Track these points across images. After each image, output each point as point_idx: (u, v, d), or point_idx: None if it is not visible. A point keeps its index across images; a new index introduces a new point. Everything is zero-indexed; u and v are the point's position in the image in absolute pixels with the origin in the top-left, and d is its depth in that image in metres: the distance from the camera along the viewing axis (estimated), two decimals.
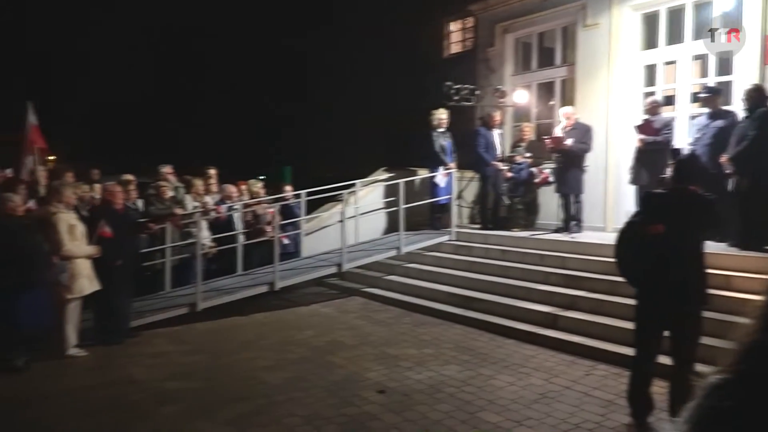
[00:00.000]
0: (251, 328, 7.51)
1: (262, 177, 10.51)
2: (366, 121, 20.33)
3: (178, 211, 8.27)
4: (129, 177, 8.09)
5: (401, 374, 5.69)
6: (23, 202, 6.46)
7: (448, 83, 10.20)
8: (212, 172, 9.52)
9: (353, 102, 21.14)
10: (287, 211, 9.40)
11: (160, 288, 8.19)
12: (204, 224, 8.39)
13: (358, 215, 9.77)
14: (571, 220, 8.88)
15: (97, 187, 8.82)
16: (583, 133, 8.77)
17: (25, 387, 5.36)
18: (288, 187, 10.00)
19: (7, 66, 23.47)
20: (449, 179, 9.83)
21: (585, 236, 8.57)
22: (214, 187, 9.35)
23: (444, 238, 9.63)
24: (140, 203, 8.29)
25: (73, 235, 6.18)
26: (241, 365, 6.02)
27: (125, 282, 6.75)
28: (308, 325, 7.64)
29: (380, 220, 10.58)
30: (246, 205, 9.20)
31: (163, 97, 25.37)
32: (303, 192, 9.75)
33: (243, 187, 9.71)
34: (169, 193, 8.48)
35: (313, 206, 10.45)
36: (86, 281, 6.25)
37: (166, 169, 8.94)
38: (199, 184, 8.94)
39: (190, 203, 8.70)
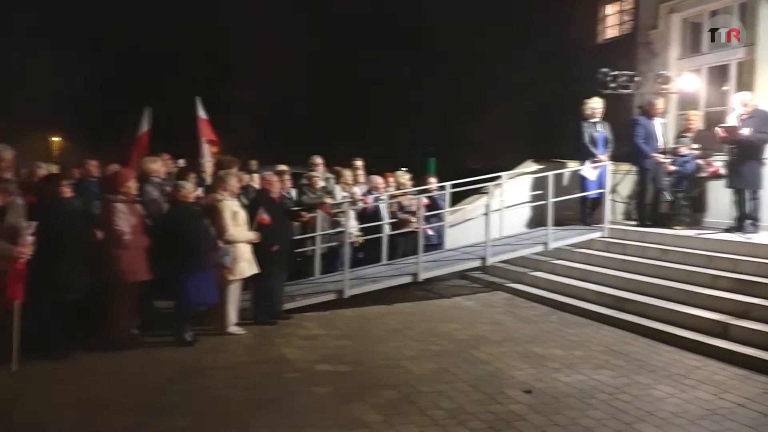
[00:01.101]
0: (396, 318, 7.61)
1: (405, 168, 10.58)
2: (513, 112, 19.80)
3: (328, 200, 8.59)
4: (283, 167, 8.53)
5: (549, 375, 5.45)
6: (193, 190, 7.01)
7: (604, 70, 9.58)
8: (359, 163, 9.76)
9: (500, 91, 20.65)
10: (432, 203, 9.40)
11: (310, 274, 8.56)
12: (352, 214, 8.63)
13: (504, 208, 9.53)
14: (747, 218, 7.97)
15: (255, 176, 9.42)
16: (762, 121, 7.82)
17: (195, 359, 5.84)
18: (432, 179, 9.99)
19: (181, 64, 25.76)
20: (601, 172, 9.26)
21: (763, 237, 7.67)
22: (362, 178, 9.58)
23: (595, 235, 9.10)
24: (294, 192, 8.71)
25: (236, 221, 6.63)
26: (387, 353, 6.12)
27: (280, 267, 7.14)
28: (451, 318, 7.59)
29: (526, 214, 10.25)
30: (392, 196, 9.33)
31: (314, 92, 26.49)
32: (448, 184, 9.69)
33: (390, 178, 9.86)
34: (320, 183, 8.82)
35: (457, 198, 10.35)
36: (246, 264, 6.68)
37: (318, 160, 9.30)
38: (348, 174, 9.22)
39: (340, 193, 9.00)
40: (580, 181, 9.49)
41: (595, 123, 9.40)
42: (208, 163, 8.72)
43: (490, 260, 8.66)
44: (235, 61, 27.33)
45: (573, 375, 5.45)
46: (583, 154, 9.38)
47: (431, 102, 24.75)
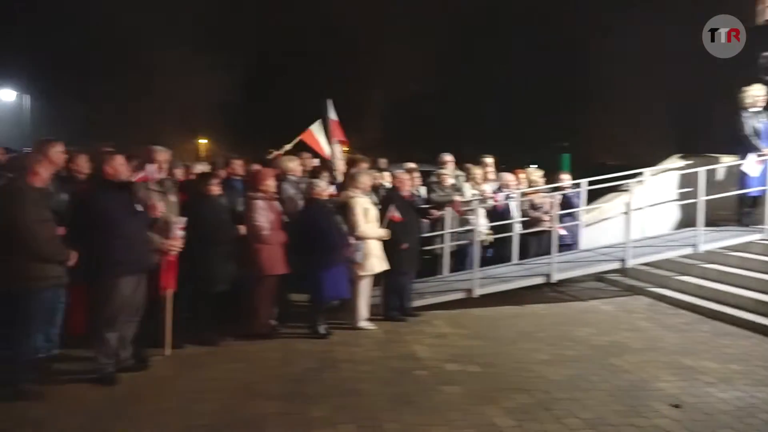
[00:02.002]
0: (527, 319, 7.37)
1: (534, 164, 10.21)
2: (655, 103, 18.44)
3: (458, 198, 8.50)
4: (413, 165, 8.56)
5: (700, 389, 4.99)
6: (327, 188, 7.23)
7: (766, 54, 8.61)
8: (489, 160, 9.57)
9: (640, 81, 19.32)
10: (565, 201, 8.99)
11: (439, 272, 8.52)
12: (481, 212, 8.48)
13: (646, 207, 8.90)
14: None
15: (385, 174, 9.54)
16: None
17: (329, 351, 6.02)
18: (566, 176, 9.56)
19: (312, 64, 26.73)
20: (765, 167, 8.34)
21: None
22: (492, 175, 9.39)
23: (755, 237, 8.22)
24: (423, 190, 8.71)
25: (367, 218, 6.75)
26: (519, 356, 5.93)
27: (410, 264, 7.17)
28: (587, 322, 7.21)
29: (672, 214, 9.51)
30: (524, 194, 9.05)
31: (443, 90, 26.47)
32: (583, 181, 9.23)
33: (521, 175, 9.57)
34: (450, 181, 8.75)
35: (591, 196, 9.83)
36: (376, 260, 6.78)
37: (447, 158, 9.24)
38: (477, 172, 9.07)
39: (469, 191, 8.87)
40: (740, 178, 8.62)
41: (757, 113, 8.49)
42: (339, 162, 8.97)
43: (631, 262, 8.13)
44: (363, 61, 27.98)
45: (729, 391, 4.95)
46: (745, 148, 8.48)
47: (564, 96, 23.77)
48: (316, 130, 8.51)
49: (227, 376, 5.25)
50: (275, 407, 4.60)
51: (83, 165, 5.66)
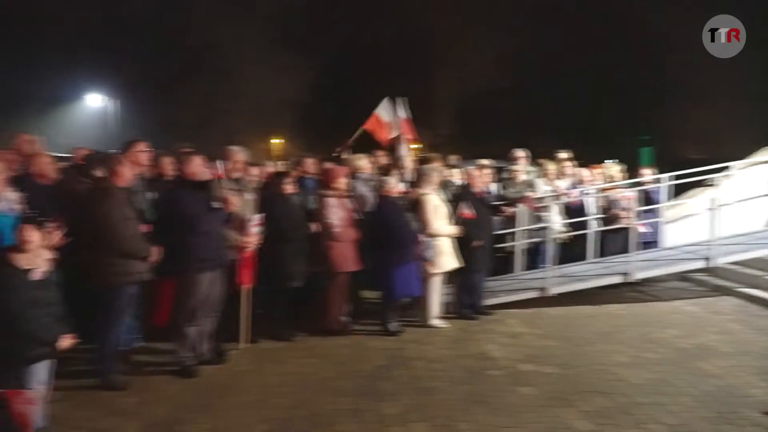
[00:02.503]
0: (605, 320, 7.10)
1: (615, 159, 9.81)
2: (740, 92, 17.39)
3: (530, 194, 8.29)
4: (485, 162, 8.42)
5: None
6: (397, 185, 7.22)
7: None
8: (564, 155, 9.28)
9: (723, 69, 18.26)
10: (647, 197, 8.61)
11: (512, 270, 8.35)
12: (556, 209, 8.24)
13: (734, 202, 8.39)
14: None
15: (456, 171, 9.44)
16: None
17: (401, 348, 6.01)
18: (647, 170, 9.14)
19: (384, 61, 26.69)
20: None
21: None
22: (568, 171, 9.10)
23: None
24: (495, 187, 8.56)
25: (439, 215, 6.70)
26: (597, 357, 5.72)
27: (482, 262, 7.06)
28: (670, 324, 6.88)
29: (763, 209, 8.92)
30: (601, 190, 8.72)
31: (516, 84, 25.92)
32: (665, 176, 8.79)
33: (597, 171, 9.24)
34: (522, 177, 8.55)
35: (675, 191, 9.36)
36: (448, 258, 6.72)
37: (520, 153, 9.04)
38: (551, 167, 8.82)
39: (542, 187, 8.65)
40: None
41: None
42: (408, 160, 8.93)
43: (719, 261, 7.69)
44: (436, 57, 27.83)
45: None
46: None
47: (644, 88, 22.76)
48: (381, 115, 8.53)
49: (301, 371, 5.34)
50: (347, 403, 4.64)
51: (167, 166, 5.89)
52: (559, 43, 25.07)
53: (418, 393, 4.84)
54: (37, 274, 3.51)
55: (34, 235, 3.49)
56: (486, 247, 7.10)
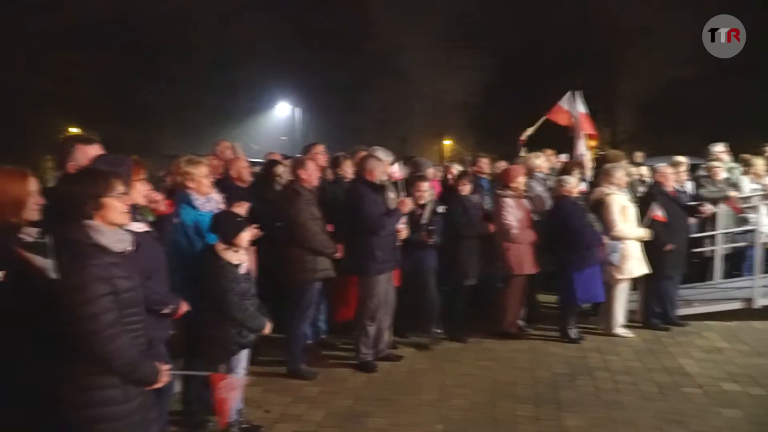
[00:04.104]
0: None
1: None
2: None
3: (733, 193, 7.42)
4: (680, 159, 7.69)
5: None
6: (577, 185, 6.84)
7: None
8: None
9: None
10: None
11: (710, 277, 7.52)
12: (764, 209, 7.26)
13: None
14: None
15: (642, 169, 8.74)
16: None
17: (581, 357, 5.70)
18: None
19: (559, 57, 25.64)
20: None
21: None
22: None
23: None
24: (690, 186, 7.78)
25: (625, 217, 6.23)
26: None
27: (675, 267, 6.46)
28: None
29: None
30: None
31: (710, 74, 23.32)
32: None
33: None
34: (723, 175, 7.68)
35: None
36: (636, 263, 6.23)
37: (719, 148, 8.13)
38: (759, 163, 7.81)
39: (748, 185, 7.69)
40: None
41: None
42: (587, 158, 8.45)
43: None
44: (617, 49, 26.10)
45: None
46: None
47: None
48: (565, 105, 8.16)
49: (478, 373, 5.27)
50: (526, 410, 4.49)
51: (347, 169, 6.16)
52: (765, 23, 22.10)
53: (604, 406, 4.54)
54: (243, 269, 3.85)
55: (244, 234, 3.83)
56: (679, 251, 6.47)
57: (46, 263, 2.59)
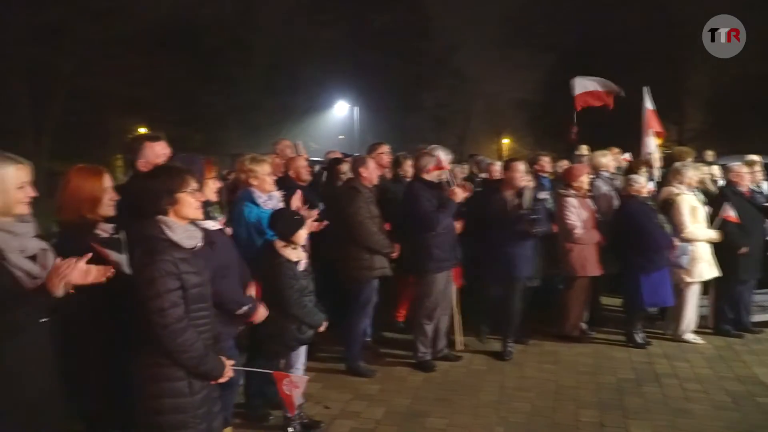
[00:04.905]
0: None
1: None
2: None
3: None
4: (754, 157, 7.31)
5: None
6: (646, 185, 6.59)
7: None
8: None
9: None
10: None
11: None
12: None
13: None
14: None
15: (714, 168, 8.36)
16: None
17: (648, 363, 5.50)
18: None
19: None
20: None
21: None
22: None
23: None
24: (766, 186, 7.39)
25: (695, 218, 5.98)
26: None
27: (750, 271, 6.14)
28: None
29: None
30: None
31: None
32: None
33: None
34: None
35: None
36: (706, 266, 5.96)
37: None
38: None
39: None
40: None
41: None
42: (654, 156, 8.15)
43: None
44: (684, 43, 25.05)
45: None
46: None
47: None
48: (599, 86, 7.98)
49: (539, 376, 5.17)
50: (590, 416, 4.37)
51: (408, 168, 6.14)
52: None
53: (674, 414, 4.36)
54: (302, 265, 3.90)
55: (302, 231, 3.87)
56: (755, 254, 6.16)
57: (121, 258, 2.69)
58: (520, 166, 5.59)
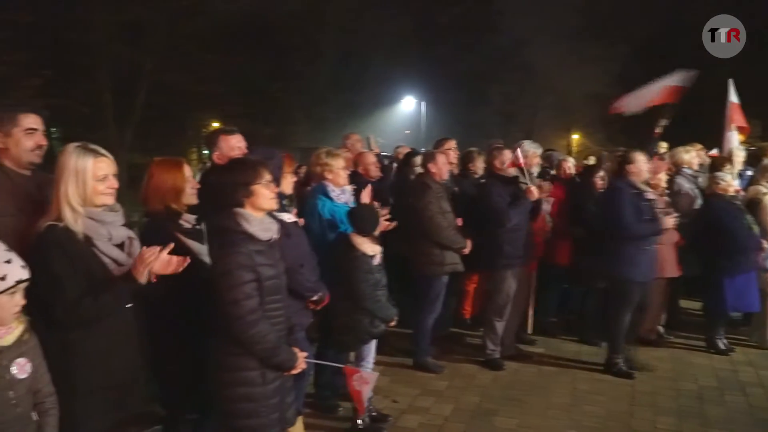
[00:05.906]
0: None
1: None
2: None
3: None
4: None
5: None
6: (733, 183, 6.24)
7: None
8: None
9: None
10: None
11: None
12: None
13: None
14: None
15: None
16: None
17: (731, 370, 5.25)
18: None
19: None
20: None
21: None
22: None
23: None
24: None
25: None
26: None
27: None
28: None
29: None
30: None
31: None
32: None
33: None
34: None
35: None
36: None
37: None
38: None
39: None
40: None
41: None
42: (738, 153, 7.69)
43: None
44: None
45: None
46: None
47: None
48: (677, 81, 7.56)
49: (612, 379, 4.99)
50: (667, 424, 4.20)
51: (479, 164, 6.04)
52: None
53: (759, 426, 4.14)
54: (377, 259, 3.90)
55: (379, 225, 3.88)
56: None
57: (202, 249, 2.76)
58: (641, 157, 5.17)
